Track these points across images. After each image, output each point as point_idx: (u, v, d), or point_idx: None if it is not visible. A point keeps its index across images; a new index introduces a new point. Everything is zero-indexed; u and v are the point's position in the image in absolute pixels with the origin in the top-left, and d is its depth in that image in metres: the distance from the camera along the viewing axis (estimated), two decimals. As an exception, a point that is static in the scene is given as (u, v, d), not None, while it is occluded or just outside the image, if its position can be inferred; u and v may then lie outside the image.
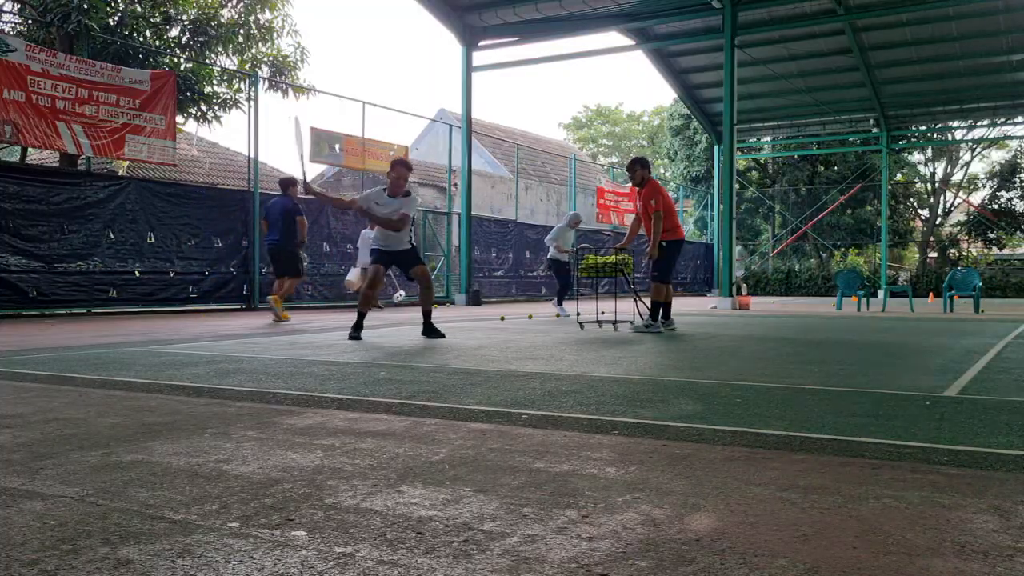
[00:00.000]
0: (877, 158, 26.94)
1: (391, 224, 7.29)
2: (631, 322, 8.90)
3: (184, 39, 13.36)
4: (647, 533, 1.79)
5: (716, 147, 25.56)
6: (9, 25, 12.80)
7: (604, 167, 38.83)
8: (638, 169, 8.53)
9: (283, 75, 13.92)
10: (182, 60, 13.19)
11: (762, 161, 32.32)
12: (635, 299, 9.16)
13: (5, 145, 11.81)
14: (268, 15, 13.80)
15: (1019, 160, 29.77)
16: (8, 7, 12.98)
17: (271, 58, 13.90)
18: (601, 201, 23.95)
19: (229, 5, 13.71)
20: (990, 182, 30.49)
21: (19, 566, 1.57)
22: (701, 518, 1.91)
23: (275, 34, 13.80)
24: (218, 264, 12.90)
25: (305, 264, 12.50)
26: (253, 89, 13.46)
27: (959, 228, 31.28)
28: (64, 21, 11.16)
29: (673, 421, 3.15)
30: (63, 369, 4.81)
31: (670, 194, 9.97)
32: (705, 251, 28.66)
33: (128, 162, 12.58)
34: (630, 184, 11.42)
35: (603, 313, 9.30)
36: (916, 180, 32.47)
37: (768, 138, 30.09)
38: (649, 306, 8.55)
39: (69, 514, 1.91)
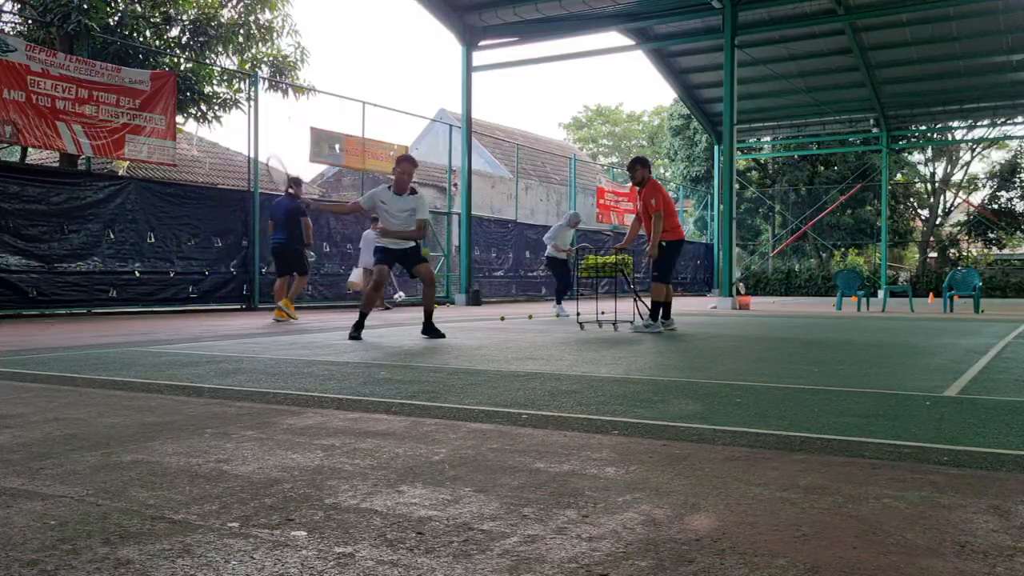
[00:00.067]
0: (877, 158, 26.94)
1: (413, 234, 7.36)
2: (631, 322, 8.90)
3: (184, 39, 13.36)
4: (647, 533, 1.79)
5: (716, 147, 25.57)
6: (9, 25, 12.80)
7: (604, 167, 38.84)
8: (638, 168, 8.53)
9: (283, 75, 13.92)
10: (182, 60, 13.19)
11: (762, 161, 32.32)
12: (635, 299, 9.16)
13: (5, 145, 11.82)
14: (268, 15, 13.81)
15: (1019, 160, 29.77)
16: (8, 7, 12.99)
17: (271, 58, 13.90)
18: (601, 201, 23.95)
19: (229, 5, 13.71)
20: (990, 182, 30.49)
21: (19, 566, 1.57)
22: (701, 518, 1.91)
23: (275, 34, 13.80)
24: (218, 264, 12.90)
25: (311, 261, 12.68)
26: (253, 89, 13.46)
27: (959, 228, 31.28)
28: (64, 21, 11.16)
29: (673, 421, 3.15)
30: (63, 369, 4.81)
31: (670, 194, 9.97)
32: (705, 251, 28.66)
33: (128, 162, 12.58)
34: (630, 184, 11.43)
35: (603, 313, 9.30)
36: (916, 180, 32.47)
37: (768, 138, 30.09)
38: (649, 306, 8.55)
39: (69, 514, 1.91)
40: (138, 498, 2.05)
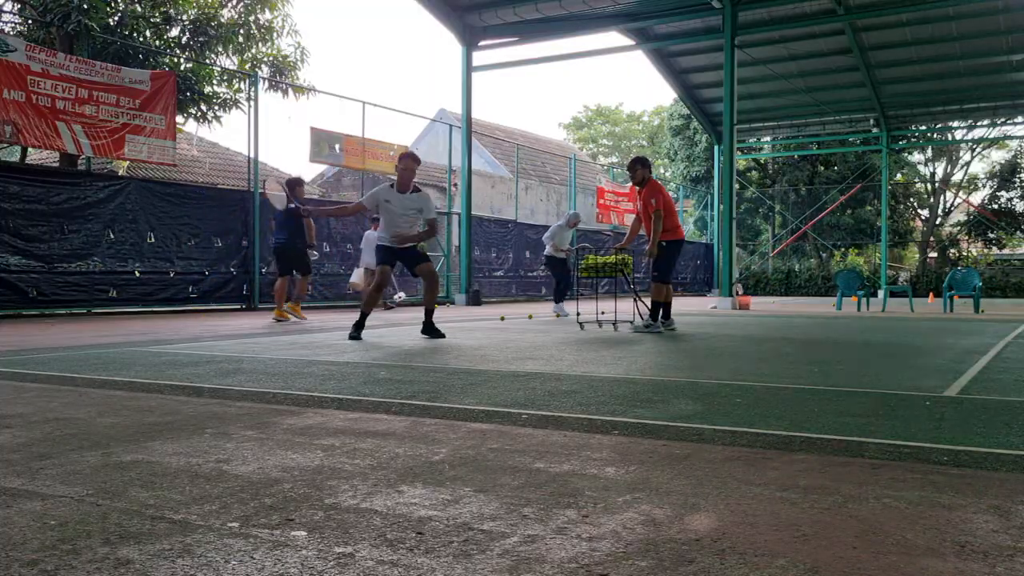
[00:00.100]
0: (877, 158, 26.95)
1: (426, 235, 7.40)
2: (631, 322, 8.90)
3: (184, 39, 13.36)
4: (647, 533, 1.79)
5: (716, 147, 25.57)
6: (9, 25, 12.80)
7: (604, 167, 38.84)
8: (639, 168, 8.53)
9: (283, 75, 13.92)
10: (182, 60, 13.19)
11: (762, 161, 32.33)
12: (635, 299, 9.16)
13: (5, 145, 11.82)
14: (268, 15, 13.81)
15: (1019, 160, 29.77)
16: (8, 7, 12.99)
17: (271, 58, 13.91)
18: (601, 201, 23.95)
19: (229, 5, 13.71)
20: (990, 182, 30.49)
21: (19, 566, 1.57)
22: (701, 518, 1.91)
23: (275, 34, 13.80)
24: (218, 264, 12.90)
25: (313, 259, 12.78)
26: (253, 89, 13.46)
27: (959, 228, 31.29)
28: (64, 21, 11.17)
29: (673, 421, 3.15)
30: (63, 369, 4.81)
31: (670, 194, 9.97)
32: (705, 251, 28.66)
33: (128, 162, 12.58)
34: (630, 184, 11.44)
35: (603, 313, 9.30)
36: (916, 180, 32.47)
37: (768, 138, 30.10)
38: (649, 306, 8.55)
39: (69, 514, 1.91)
40: (138, 498, 2.05)
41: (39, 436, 2.84)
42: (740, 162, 30.11)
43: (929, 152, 31.62)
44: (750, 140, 29.55)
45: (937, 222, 31.47)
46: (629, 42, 19.46)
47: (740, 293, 16.17)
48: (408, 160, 7.34)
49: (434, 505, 2.00)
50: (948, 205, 32.35)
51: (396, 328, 8.89)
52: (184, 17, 13.28)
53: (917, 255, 33.29)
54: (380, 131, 31.70)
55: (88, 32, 11.29)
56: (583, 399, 3.69)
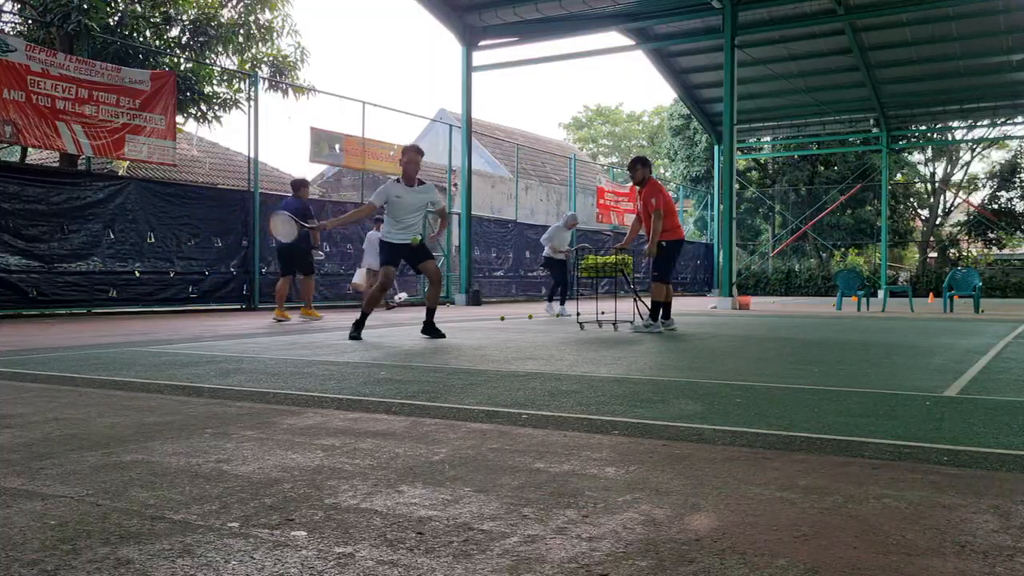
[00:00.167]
0: (877, 158, 26.94)
1: (444, 225, 7.57)
2: (631, 322, 8.90)
3: (184, 39, 13.36)
4: (647, 533, 1.79)
5: (716, 147, 25.56)
6: (9, 25, 12.80)
7: (604, 167, 38.84)
8: (639, 168, 8.53)
9: (283, 75, 13.92)
10: (182, 60, 13.19)
11: (762, 161, 32.33)
12: (635, 299, 9.16)
13: (5, 145, 11.82)
14: (268, 15, 13.81)
15: (1019, 160, 29.77)
16: (8, 7, 12.99)
17: (271, 58, 13.91)
18: (601, 201, 23.95)
19: (229, 5, 13.71)
20: (990, 182, 30.50)
21: (19, 566, 1.57)
22: (701, 518, 1.91)
23: (275, 34, 13.80)
24: (218, 264, 12.90)
25: (319, 260, 13.13)
26: (253, 89, 13.46)
27: (959, 228, 31.29)
28: (64, 21, 11.16)
29: (673, 421, 3.15)
30: (63, 369, 4.81)
31: (670, 194, 9.97)
32: (705, 251, 28.67)
33: (128, 162, 12.58)
34: (630, 184, 11.44)
35: (603, 313, 9.30)
36: (916, 180, 32.47)
37: (768, 138, 30.09)
38: (649, 306, 8.55)
39: (69, 514, 1.91)
40: (138, 498, 2.05)
41: (39, 436, 2.84)
42: (740, 162, 30.11)
43: (929, 152, 31.63)
44: (750, 140, 29.55)
45: (937, 222, 31.47)
46: (629, 42, 19.46)
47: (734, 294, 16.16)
48: (412, 153, 7.29)
49: (434, 505, 2.00)
50: (948, 205, 32.35)
51: (396, 328, 8.89)
52: (184, 17, 13.27)
53: (917, 255, 33.30)
54: (380, 131, 31.73)
55: (88, 32, 11.29)
56: (583, 399, 3.69)
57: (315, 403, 3.61)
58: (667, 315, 8.49)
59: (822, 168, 30.31)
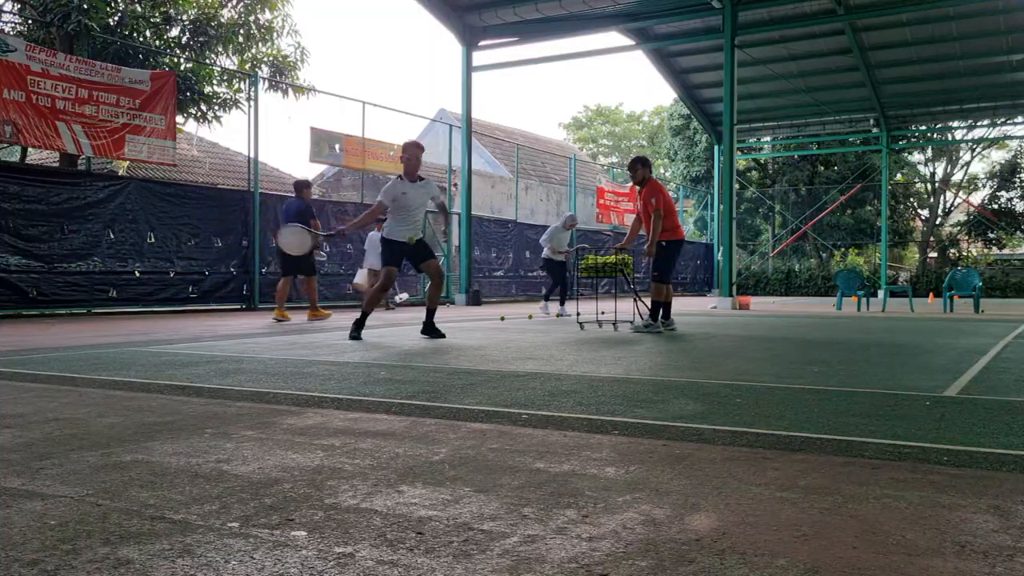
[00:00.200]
0: (877, 158, 26.94)
1: (446, 219, 7.50)
2: (631, 322, 8.90)
3: (184, 39, 13.36)
4: (647, 533, 1.79)
5: (716, 147, 25.56)
6: (9, 25, 12.80)
7: (604, 167, 38.84)
8: (639, 168, 8.53)
9: (283, 75, 13.92)
10: (182, 60, 13.19)
11: (762, 161, 32.32)
12: (635, 299, 9.16)
13: (5, 145, 11.82)
14: (268, 15, 13.81)
15: (1019, 160, 29.77)
16: (8, 7, 12.99)
17: (271, 58, 13.91)
18: (601, 201, 23.95)
19: (229, 5, 13.71)
20: (990, 182, 30.50)
21: (19, 566, 1.57)
22: (701, 518, 1.91)
23: (275, 34, 13.80)
24: (218, 264, 12.90)
25: (323, 261, 13.35)
26: (253, 89, 13.46)
27: (959, 228, 31.29)
28: (64, 21, 11.16)
29: (673, 421, 3.15)
30: (63, 369, 4.81)
31: (670, 194, 9.97)
32: (705, 251, 28.67)
33: (128, 162, 12.58)
34: (630, 184, 11.44)
35: (603, 313, 9.30)
36: (916, 180, 32.47)
37: (768, 138, 30.09)
38: (649, 306, 8.55)
39: (69, 514, 1.91)
40: (138, 498, 2.05)
41: (39, 436, 2.84)
42: (740, 162, 30.10)
43: (929, 152, 31.62)
44: (750, 140, 29.54)
45: (937, 222, 31.47)
46: (629, 42, 19.45)
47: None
48: (414, 148, 7.28)
49: (434, 505, 2.00)
50: (948, 205, 32.36)
51: (396, 328, 8.89)
52: (184, 17, 13.27)
53: (917, 255, 33.30)
54: (380, 131, 31.72)
55: (88, 32, 11.29)
56: (583, 399, 3.69)
57: (315, 403, 3.61)
58: (667, 315, 8.49)
59: (822, 168, 30.30)
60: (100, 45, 12.00)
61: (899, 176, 31.23)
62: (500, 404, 3.54)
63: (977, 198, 31.55)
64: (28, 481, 2.22)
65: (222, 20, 13.41)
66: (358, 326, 7.15)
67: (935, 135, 29.30)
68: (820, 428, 3.02)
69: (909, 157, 31.64)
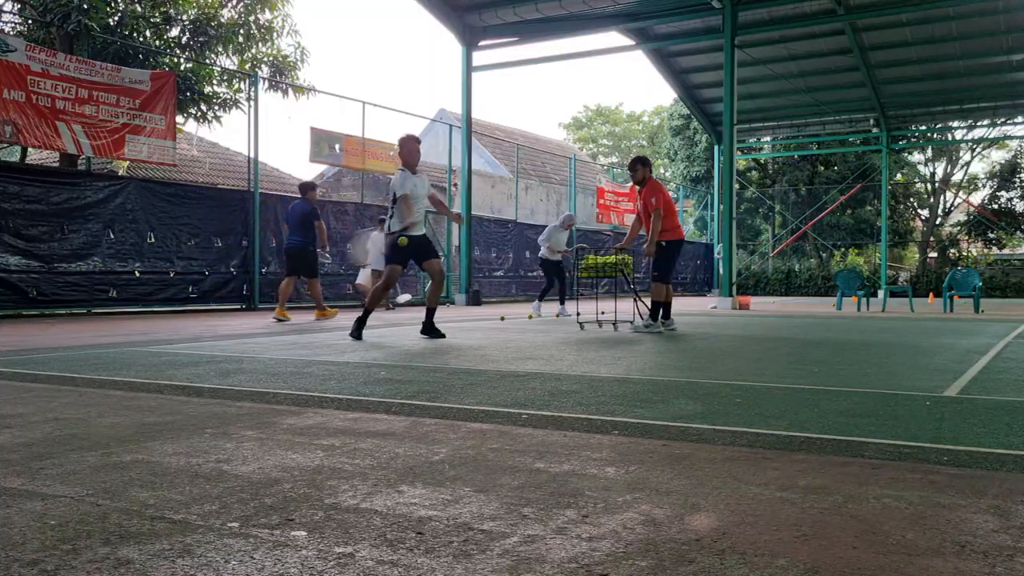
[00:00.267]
0: (877, 158, 26.94)
1: (443, 206, 7.70)
2: (631, 322, 8.90)
3: (184, 39, 13.36)
4: (647, 533, 1.79)
5: (716, 147, 25.56)
6: (9, 25, 12.80)
7: (604, 167, 38.84)
8: (639, 168, 8.53)
9: (283, 75, 13.92)
10: (182, 60, 13.19)
11: (762, 161, 32.32)
12: (635, 299, 9.16)
13: (5, 145, 11.82)
14: (268, 15, 13.81)
15: (1019, 160, 29.77)
16: (8, 7, 12.99)
17: (271, 58, 13.91)
18: (601, 201, 23.95)
19: (229, 5, 13.71)
20: (990, 182, 30.50)
21: (19, 566, 1.57)
22: (701, 518, 1.91)
23: (275, 34, 13.81)
24: (218, 264, 12.90)
25: (328, 262, 13.60)
26: (253, 89, 13.46)
27: (959, 228, 31.29)
28: (64, 21, 11.16)
29: (673, 421, 3.15)
30: (63, 369, 4.81)
31: (670, 194, 9.96)
32: (705, 251, 28.67)
33: (128, 162, 12.58)
34: (630, 184, 11.44)
35: (603, 313, 9.30)
36: (916, 180, 32.47)
37: (768, 138, 30.09)
38: (649, 306, 8.55)
39: (69, 514, 1.91)
40: (138, 498, 2.05)
41: (39, 436, 2.84)
42: (740, 162, 30.10)
43: (929, 152, 31.62)
44: (750, 140, 29.54)
45: (937, 222, 31.47)
46: (629, 42, 19.45)
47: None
48: (413, 142, 7.33)
49: (434, 505, 2.00)
50: (948, 205, 32.36)
51: (396, 328, 8.89)
52: (184, 17, 13.27)
53: (917, 255, 33.30)
54: (380, 131, 31.72)
55: (88, 32, 11.29)
56: (583, 399, 3.69)
57: (315, 403, 3.61)
58: (667, 315, 8.49)
59: (822, 168, 30.30)
60: (100, 45, 12.00)
61: (899, 176, 31.24)
62: (500, 404, 3.54)
63: (977, 198, 31.56)
64: (28, 481, 2.22)
65: (222, 20, 13.41)
66: (360, 324, 7.15)
67: (935, 135, 29.31)
68: (820, 428, 3.02)
69: (909, 157, 31.64)
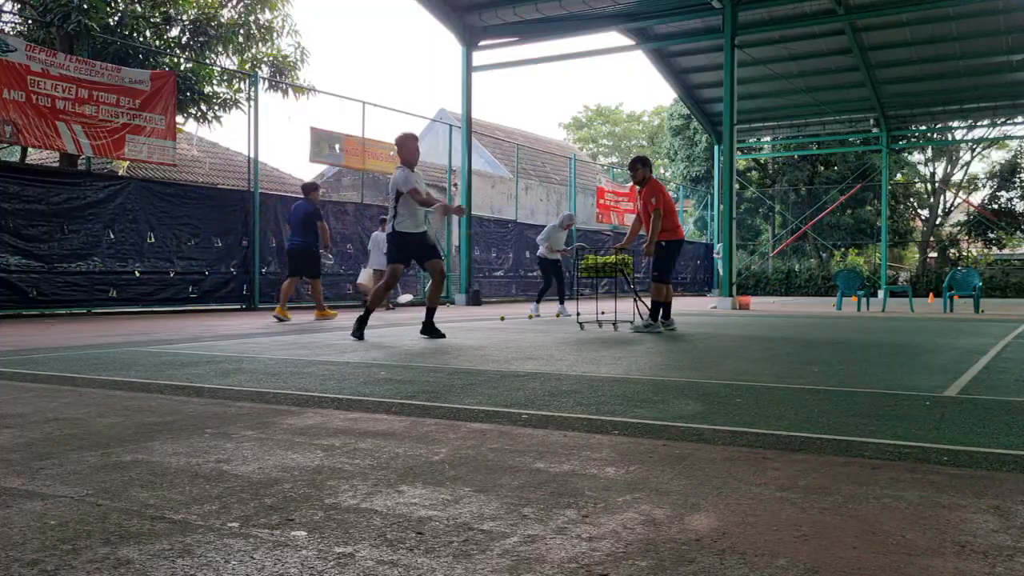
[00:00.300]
0: (877, 158, 26.94)
1: (442, 203, 7.64)
2: (631, 322, 8.90)
3: (184, 39, 13.36)
4: (647, 533, 1.79)
5: (716, 147, 25.56)
6: (9, 25, 12.80)
7: (604, 167, 38.84)
8: (639, 168, 8.53)
9: (283, 75, 13.92)
10: (182, 60, 13.19)
11: (762, 161, 32.32)
12: (635, 299, 9.16)
13: (5, 145, 11.82)
14: (268, 15, 13.81)
15: (1019, 160, 29.77)
16: (8, 7, 12.99)
17: (271, 58, 13.91)
18: (601, 201, 23.95)
19: (229, 5, 13.71)
20: (990, 182, 30.50)
21: (19, 566, 1.57)
22: (701, 518, 1.91)
23: (275, 34, 13.81)
24: (218, 264, 12.90)
25: (330, 262, 13.78)
26: (253, 89, 13.46)
27: (959, 228, 31.29)
28: (64, 21, 11.16)
29: (673, 421, 3.15)
30: (63, 369, 4.81)
31: (670, 194, 9.97)
32: (705, 251, 28.66)
33: (128, 162, 12.58)
34: (630, 184, 11.44)
35: (603, 313, 9.30)
36: (916, 180, 32.47)
37: (768, 138, 30.09)
38: (649, 306, 8.55)
39: (69, 514, 1.91)
40: (138, 498, 2.05)
41: (39, 436, 2.84)
42: (740, 162, 30.10)
43: (929, 152, 31.62)
44: (750, 140, 29.54)
45: (937, 222, 31.47)
46: (629, 42, 19.45)
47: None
48: (412, 140, 7.36)
49: (434, 505, 2.00)
50: (948, 205, 32.35)
51: (396, 328, 8.89)
52: (184, 17, 13.27)
53: (917, 255, 33.30)
54: (380, 131, 31.70)
55: (88, 32, 11.29)
56: (583, 399, 3.69)
57: (315, 403, 3.61)
58: (667, 315, 8.49)
59: (822, 168, 30.30)
60: (100, 45, 12.00)
61: (899, 176, 31.23)
62: (500, 404, 3.54)
63: (977, 198, 31.56)
64: (28, 481, 2.22)
65: (222, 20, 13.41)
66: (361, 323, 7.15)
67: (935, 135, 29.31)
68: (820, 428, 3.02)
69: (909, 157, 31.64)
